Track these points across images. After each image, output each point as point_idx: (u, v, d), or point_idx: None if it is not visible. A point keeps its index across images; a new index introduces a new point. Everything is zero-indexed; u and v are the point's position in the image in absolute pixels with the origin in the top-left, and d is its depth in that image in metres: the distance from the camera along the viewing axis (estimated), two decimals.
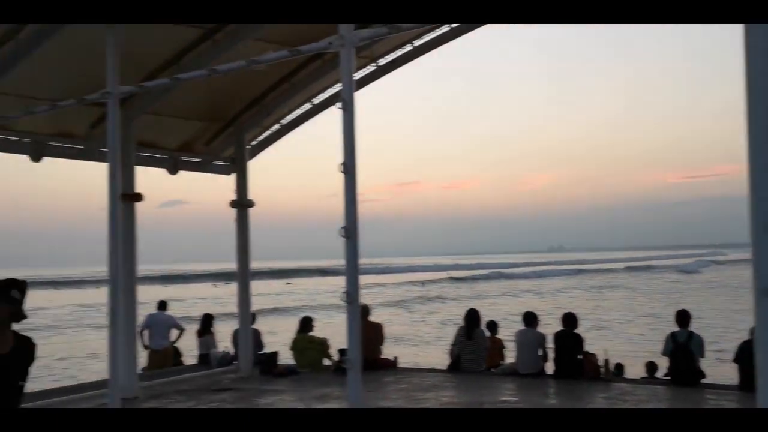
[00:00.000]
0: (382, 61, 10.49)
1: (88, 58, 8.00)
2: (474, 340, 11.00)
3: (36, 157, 9.02)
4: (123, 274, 7.23)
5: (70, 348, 26.06)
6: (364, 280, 5.89)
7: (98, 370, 18.81)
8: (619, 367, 11.66)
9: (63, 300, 53.82)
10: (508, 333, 12.97)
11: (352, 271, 5.64)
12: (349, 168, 5.61)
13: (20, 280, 4.52)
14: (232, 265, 11.85)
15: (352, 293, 5.64)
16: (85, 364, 21.17)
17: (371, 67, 10.49)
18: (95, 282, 72.47)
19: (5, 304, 4.36)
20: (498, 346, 11.82)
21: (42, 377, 18.99)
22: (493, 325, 12.05)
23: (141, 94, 8.37)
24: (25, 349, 4.48)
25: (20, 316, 4.40)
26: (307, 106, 11.38)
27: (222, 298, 46.56)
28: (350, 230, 5.61)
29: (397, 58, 10.47)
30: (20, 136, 8.92)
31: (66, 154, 9.58)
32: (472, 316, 11.19)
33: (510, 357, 11.46)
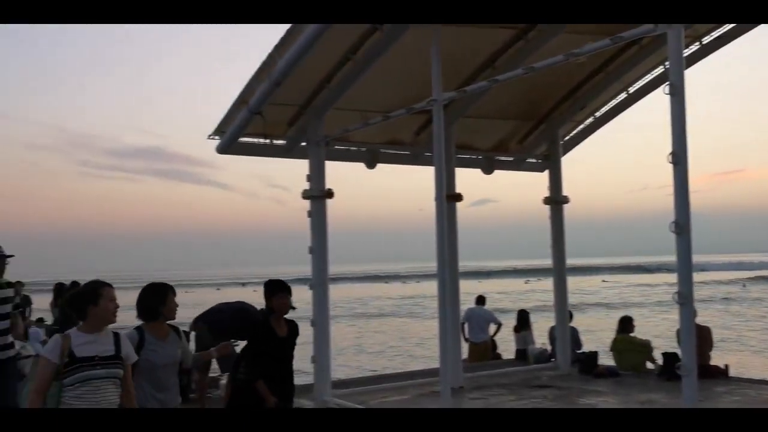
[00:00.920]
0: (706, 39, 9.58)
1: (411, 70, 8.66)
2: None
3: (371, 164, 10.01)
4: (449, 270, 7.65)
5: (399, 336, 28.44)
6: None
7: (421, 356, 20.24)
8: None
9: (391, 292, 58.98)
10: None
11: (685, 269, 5.26)
12: (679, 158, 5.26)
13: None
14: (543, 262, 11.84)
15: (685, 293, 5.25)
16: (413, 352, 22.88)
17: (694, 47, 9.65)
18: (416, 276, 78.10)
19: (289, 298, 5.82)
20: None
21: (377, 361, 21.04)
22: None
23: (459, 99, 8.78)
24: (294, 330, 5.90)
25: (291, 308, 5.86)
26: (621, 96, 10.89)
27: (535, 293, 46.81)
28: (682, 225, 5.25)
29: (723, 34, 9.45)
30: (357, 146, 9.95)
31: (395, 159, 10.43)
32: None
33: None
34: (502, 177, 12.02)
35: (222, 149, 8.89)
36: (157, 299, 4.93)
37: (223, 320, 9.12)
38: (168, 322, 5.01)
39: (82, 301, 4.35)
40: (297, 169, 9.19)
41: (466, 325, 13.02)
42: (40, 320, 14.87)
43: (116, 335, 4.44)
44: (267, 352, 5.71)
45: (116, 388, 4.32)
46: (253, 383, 5.64)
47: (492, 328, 13.49)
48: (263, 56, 7.86)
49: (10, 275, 7.31)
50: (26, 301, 16.00)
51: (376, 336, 28.89)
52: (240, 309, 9.33)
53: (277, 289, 5.74)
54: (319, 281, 8.77)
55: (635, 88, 10.65)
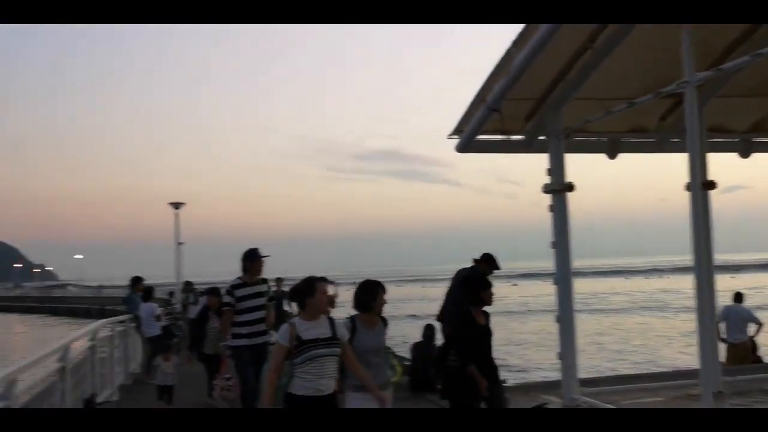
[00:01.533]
0: None
1: (656, 52, 8.14)
2: None
3: (612, 155, 9.59)
4: (705, 264, 7.09)
5: (642, 334, 27.09)
6: None
7: (667, 357, 19.02)
8: None
9: (632, 288, 56.30)
10: None
11: None
12: None
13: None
14: None
15: None
16: (658, 351, 21.64)
17: None
18: (658, 271, 73.54)
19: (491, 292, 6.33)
20: None
21: (619, 360, 20.16)
22: None
23: (711, 79, 8.10)
24: (489, 319, 6.47)
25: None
26: None
27: None
28: None
29: None
30: (597, 136, 9.59)
31: (638, 148, 9.90)
32: None
33: None
34: (758, 160, 10.86)
35: (461, 148, 9.04)
36: (368, 295, 5.55)
37: (450, 312, 9.26)
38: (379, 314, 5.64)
39: (301, 294, 5.14)
40: (528, 164, 9.17)
41: (722, 325, 12.00)
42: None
43: (331, 320, 5.22)
44: (471, 339, 6.25)
45: (335, 364, 5.09)
46: (465, 368, 6.11)
47: (752, 328, 12.30)
48: (497, 54, 7.89)
49: (271, 272, 8.19)
50: (285, 296, 17.66)
51: (617, 333, 27.71)
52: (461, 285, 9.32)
53: (488, 285, 6.48)
54: (563, 276, 8.59)
55: None
